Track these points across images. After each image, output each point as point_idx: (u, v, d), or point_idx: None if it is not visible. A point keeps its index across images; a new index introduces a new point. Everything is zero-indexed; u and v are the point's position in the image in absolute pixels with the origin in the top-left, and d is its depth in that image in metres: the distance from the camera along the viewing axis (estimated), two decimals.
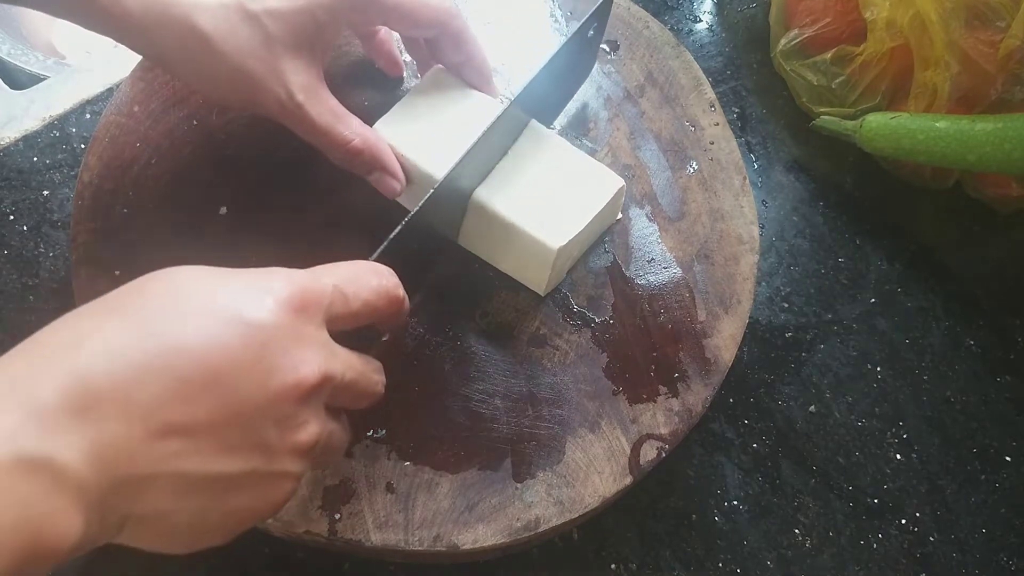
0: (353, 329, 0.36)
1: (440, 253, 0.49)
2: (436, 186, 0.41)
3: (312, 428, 0.32)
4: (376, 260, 0.38)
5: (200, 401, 0.29)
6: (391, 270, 0.37)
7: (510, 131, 0.48)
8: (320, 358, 0.32)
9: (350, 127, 0.44)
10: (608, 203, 0.48)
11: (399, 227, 0.39)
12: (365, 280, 0.35)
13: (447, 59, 0.48)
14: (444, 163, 0.44)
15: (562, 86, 0.53)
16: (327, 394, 0.33)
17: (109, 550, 0.46)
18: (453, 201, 0.46)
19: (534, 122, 0.49)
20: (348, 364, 0.34)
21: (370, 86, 0.53)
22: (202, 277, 0.31)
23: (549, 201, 0.46)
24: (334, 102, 0.44)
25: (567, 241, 0.45)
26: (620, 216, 0.52)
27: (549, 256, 0.45)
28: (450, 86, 0.49)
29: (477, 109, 0.48)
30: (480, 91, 0.49)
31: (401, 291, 0.37)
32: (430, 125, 0.48)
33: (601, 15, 0.51)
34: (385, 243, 0.38)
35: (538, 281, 0.48)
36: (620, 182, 0.48)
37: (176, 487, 0.29)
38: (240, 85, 0.41)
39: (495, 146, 0.47)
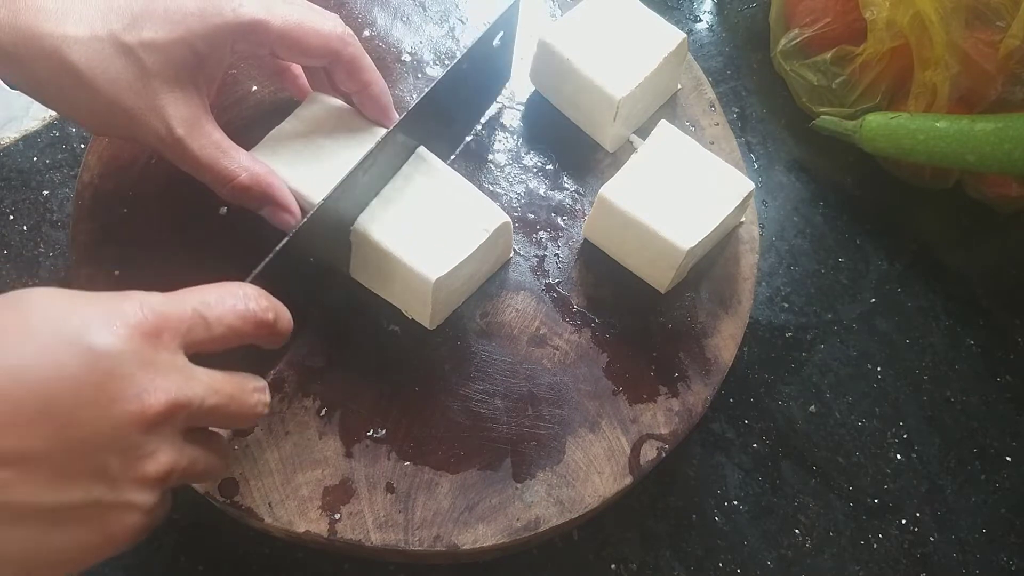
0: (242, 349, 0.35)
1: (330, 276, 0.47)
2: (307, 216, 0.40)
3: (162, 458, 0.31)
4: (253, 281, 0.36)
5: (34, 429, 0.28)
6: (262, 292, 0.36)
7: (396, 158, 0.46)
8: (171, 384, 0.31)
9: (236, 161, 0.42)
10: (737, 206, 0.48)
11: (272, 254, 0.38)
12: (230, 304, 0.34)
13: (343, 88, 0.46)
14: (320, 190, 0.43)
15: (467, 107, 0.50)
16: (182, 420, 0.32)
17: None
18: (333, 230, 0.44)
19: (664, 122, 0.50)
20: (212, 388, 0.33)
21: None
22: (53, 299, 0.31)
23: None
24: (219, 135, 0.42)
25: (696, 243, 0.46)
26: (744, 219, 0.52)
27: (677, 257, 0.46)
28: (331, 111, 0.47)
29: (358, 135, 0.47)
30: (379, 124, 0.47)
31: (271, 315, 0.35)
32: (306, 152, 0.46)
33: (507, 22, 0.47)
34: (260, 266, 0.37)
35: (662, 280, 0.49)
36: (750, 185, 0.48)
37: (5, 516, 0.28)
38: (117, 119, 0.40)
39: (380, 174, 0.45)
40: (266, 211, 0.44)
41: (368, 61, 0.46)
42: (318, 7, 0.44)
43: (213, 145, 0.42)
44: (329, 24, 0.43)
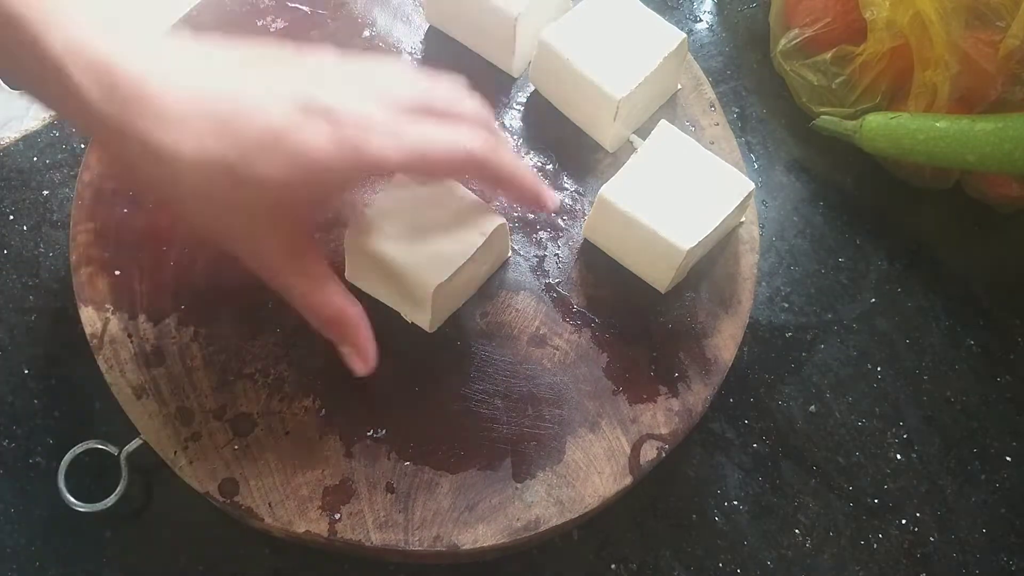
0: None
1: None
2: None
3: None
4: None
5: None
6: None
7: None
8: None
9: (328, 295, 0.40)
10: (737, 206, 0.48)
11: None
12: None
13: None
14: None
15: None
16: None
17: (109, 550, 0.46)
18: None
19: (664, 122, 0.50)
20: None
21: None
22: None
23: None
24: (319, 266, 0.40)
25: (696, 243, 0.46)
26: (744, 219, 0.52)
27: (677, 257, 0.46)
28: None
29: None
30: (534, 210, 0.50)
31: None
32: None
33: None
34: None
35: (662, 280, 0.49)
36: (750, 185, 0.49)
37: None
38: (208, 232, 0.38)
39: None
40: (344, 350, 0.41)
41: (512, 161, 0.42)
42: (456, 108, 0.40)
43: (308, 276, 0.39)
44: (464, 139, 0.39)
